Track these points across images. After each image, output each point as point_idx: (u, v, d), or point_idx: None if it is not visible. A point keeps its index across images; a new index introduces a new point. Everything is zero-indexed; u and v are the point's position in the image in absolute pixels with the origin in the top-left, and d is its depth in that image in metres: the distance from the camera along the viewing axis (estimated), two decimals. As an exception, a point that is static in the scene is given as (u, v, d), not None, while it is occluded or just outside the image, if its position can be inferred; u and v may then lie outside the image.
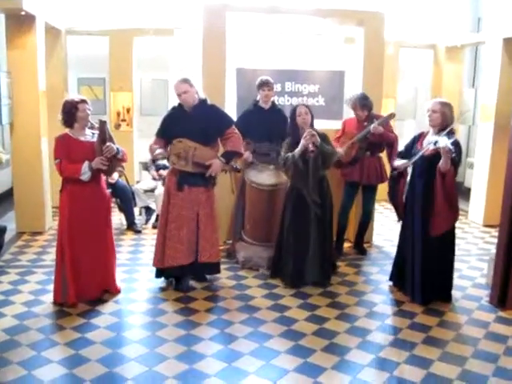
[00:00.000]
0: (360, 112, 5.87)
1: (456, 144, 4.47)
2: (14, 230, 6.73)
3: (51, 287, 4.82)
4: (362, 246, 6.33)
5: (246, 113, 5.93)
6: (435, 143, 4.45)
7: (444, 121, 4.62)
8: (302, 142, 4.91)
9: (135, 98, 8.65)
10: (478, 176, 7.81)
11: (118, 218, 7.14)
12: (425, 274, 4.71)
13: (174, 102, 5.16)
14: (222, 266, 5.41)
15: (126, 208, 6.99)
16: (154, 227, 7.14)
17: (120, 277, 5.12)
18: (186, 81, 4.79)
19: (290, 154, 5.01)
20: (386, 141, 5.81)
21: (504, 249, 4.67)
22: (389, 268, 5.34)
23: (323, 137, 5.06)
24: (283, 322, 4.38)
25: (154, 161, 5.12)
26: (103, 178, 4.72)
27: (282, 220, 5.26)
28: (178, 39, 8.41)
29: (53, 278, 4.94)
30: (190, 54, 8.50)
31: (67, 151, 4.43)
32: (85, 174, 4.40)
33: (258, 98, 5.91)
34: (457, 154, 4.43)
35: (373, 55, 6.34)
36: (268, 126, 5.84)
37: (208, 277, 5.25)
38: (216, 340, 4.05)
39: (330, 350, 3.91)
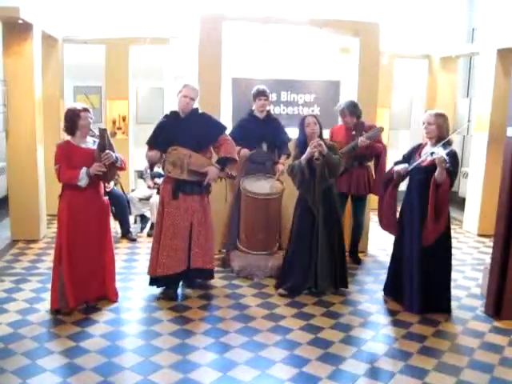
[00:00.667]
0: (349, 119, 5.90)
1: (452, 155, 4.50)
2: (9, 238, 6.71)
3: (46, 295, 4.82)
4: (356, 255, 6.34)
5: (241, 122, 5.96)
6: (432, 154, 4.48)
7: (440, 132, 4.65)
8: (308, 149, 4.94)
9: (131, 106, 8.66)
10: (473, 186, 7.84)
11: (112, 227, 7.08)
12: (423, 284, 4.71)
13: (169, 110, 5.18)
14: (217, 275, 5.42)
15: (121, 216, 6.99)
16: (149, 235, 7.14)
17: (115, 285, 5.08)
18: (197, 91, 4.92)
19: (296, 162, 5.04)
20: (374, 152, 5.84)
21: (499, 259, 4.69)
22: (383, 277, 5.33)
23: (331, 146, 5.08)
24: (278, 331, 4.38)
25: (151, 168, 5.11)
26: (102, 185, 4.72)
27: (291, 228, 5.28)
28: (173, 48, 8.46)
29: (48, 286, 4.96)
30: (185, 63, 8.56)
31: (68, 158, 4.46)
32: (82, 179, 4.42)
33: (253, 107, 5.94)
34: (453, 165, 4.45)
35: (368, 65, 6.37)
36: (263, 135, 5.86)
37: (203, 285, 5.24)
38: (211, 349, 4.04)
39: (325, 360, 3.90)
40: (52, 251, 5.95)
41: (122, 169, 4.74)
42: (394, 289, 5.08)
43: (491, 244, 6.74)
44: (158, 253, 4.86)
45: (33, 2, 7.15)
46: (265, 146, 5.90)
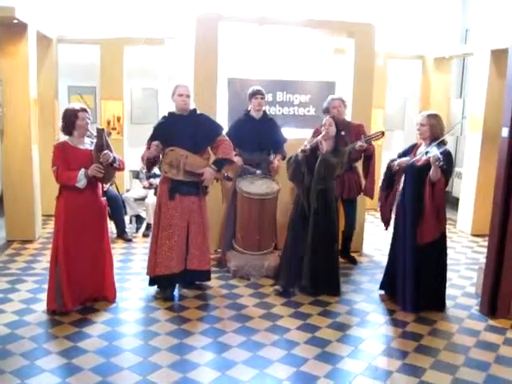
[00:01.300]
0: (343, 109, 5.91)
1: (446, 154, 4.54)
2: (4, 239, 6.68)
3: (42, 296, 4.81)
4: (350, 254, 6.37)
5: (237, 122, 5.97)
6: (426, 153, 4.53)
7: (433, 133, 4.70)
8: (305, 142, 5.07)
9: (126, 106, 8.65)
10: (467, 186, 7.90)
11: (109, 227, 7.11)
12: (416, 283, 4.75)
13: (164, 110, 5.17)
14: (214, 275, 5.43)
15: (117, 217, 6.97)
16: (145, 236, 7.15)
17: (112, 285, 5.11)
18: (189, 87, 4.93)
19: (295, 154, 5.07)
20: (367, 154, 5.87)
21: (494, 258, 4.74)
22: (379, 277, 5.38)
23: (340, 152, 5.11)
24: (275, 330, 4.40)
25: (150, 164, 5.08)
26: (100, 186, 4.71)
27: (288, 227, 5.33)
28: (168, 49, 8.45)
29: (44, 286, 4.96)
30: (179, 64, 8.56)
31: (65, 159, 4.44)
32: (80, 181, 4.41)
33: (249, 107, 5.95)
34: (447, 164, 4.49)
35: (363, 66, 6.40)
36: (259, 135, 5.87)
37: (199, 285, 5.26)
38: (209, 349, 4.06)
39: (323, 359, 3.93)
40: (47, 252, 6.01)
41: (120, 169, 4.74)
42: (389, 287, 5.13)
43: (485, 244, 6.83)
44: (156, 253, 4.87)
45: (28, 2, 7.14)
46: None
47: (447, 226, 4.87)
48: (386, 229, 5.16)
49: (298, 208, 5.21)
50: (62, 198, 4.53)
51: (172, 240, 4.84)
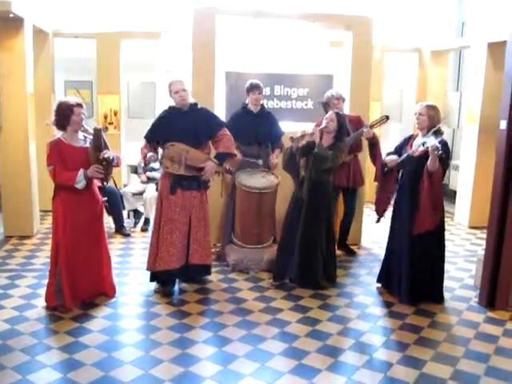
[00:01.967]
0: (342, 105, 5.93)
1: (444, 144, 4.55)
2: (2, 234, 6.67)
3: (42, 291, 4.80)
4: (347, 245, 6.39)
5: (234, 116, 5.96)
6: (423, 144, 4.54)
7: (431, 123, 4.70)
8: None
9: (122, 100, 8.62)
10: (464, 178, 7.92)
11: (106, 222, 7.09)
12: (413, 275, 4.77)
13: (161, 104, 5.15)
14: (213, 269, 5.44)
15: (115, 211, 6.96)
16: (143, 230, 7.15)
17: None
18: (183, 81, 4.88)
19: (291, 145, 5.08)
20: (371, 141, 5.89)
21: (492, 250, 4.75)
22: (377, 270, 5.39)
23: (337, 147, 5.10)
24: (276, 324, 4.41)
25: (146, 164, 5.09)
26: (96, 183, 4.67)
27: (283, 223, 5.34)
28: (165, 42, 8.43)
29: (43, 282, 4.96)
30: (176, 57, 8.54)
31: (61, 158, 4.35)
32: (80, 182, 4.35)
33: (246, 101, 5.94)
34: (445, 153, 4.50)
35: (361, 59, 6.40)
36: (257, 129, 5.87)
37: (199, 279, 5.26)
38: (210, 343, 4.07)
39: (324, 352, 3.95)
40: (46, 247, 6.02)
41: (117, 166, 4.70)
42: (386, 280, 5.15)
43: (483, 236, 6.88)
44: (157, 248, 4.87)
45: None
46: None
47: (445, 219, 4.88)
48: (378, 220, 5.19)
49: (294, 201, 5.21)
50: (59, 198, 4.46)
51: (173, 235, 4.84)
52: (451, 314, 4.69)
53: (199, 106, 5.01)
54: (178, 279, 5.16)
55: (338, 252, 6.26)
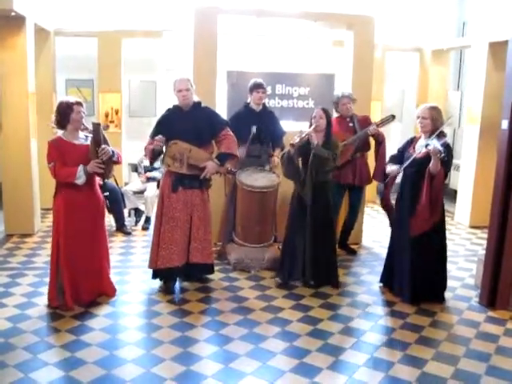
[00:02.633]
0: (352, 105, 5.95)
1: (446, 146, 4.55)
2: (3, 232, 6.67)
3: (43, 289, 4.82)
4: (348, 245, 6.40)
5: (236, 115, 5.95)
6: (426, 146, 4.54)
7: (435, 125, 4.69)
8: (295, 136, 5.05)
9: (124, 99, 8.62)
10: (464, 178, 7.92)
11: (107, 220, 7.10)
12: (414, 274, 4.77)
13: (162, 103, 5.16)
14: (214, 268, 5.40)
15: (116, 210, 6.96)
16: (144, 229, 7.16)
17: (112, 279, 5.09)
18: (188, 80, 4.88)
19: (288, 150, 5.08)
20: (379, 139, 5.90)
21: (493, 250, 4.76)
22: (379, 269, 5.41)
23: (332, 144, 5.11)
24: (277, 323, 4.42)
25: (153, 157, 5.03)
26: (97, 181, 4.69)
27: (287, 222, 5.34)
28: (166, 41, 8.44)
29: (45, 280, 4.97)
30: (178, 56, 8.54)
31: (61, 155, 4.37)
32: (80, 177, 4.36)
33: (248, 100, 5.94)
34: (447, 156, 4.50)
35: (362, 58, 6.40)
36: (259, 128, 5.87)
37: (200, 278, 5.27)
38: (211, 341, 4.07)
39: (325, 351, 3.95)
40: (47, 245, 6.02)
41: (118, 163, 4.70)
42: (389, 280, 5.15)
43: (483, 235, 6.89)
44: (158, 246, 4.87)
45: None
46: (254, 128, 5.87)
47: (445, 219, 4.89)
48: (391, 222, 5.21)
49: (296, 200, 5.21)
50: (60, 195, 4.48)
51: (174, 233, 4.84)
52: (452, 314, 4.70)
53: (203, 105, 5.00)
54: (180, 278, 5.17)
55: (338, 251, 6.30)
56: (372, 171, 6.04)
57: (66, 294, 4.45)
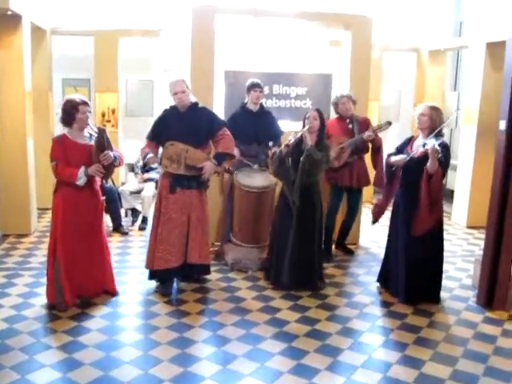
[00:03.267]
0: (351, 106, 5.92)
1: (444, 146, 4.55)
2: (-1, 233, 6.66)
3: (40, 290, 4.81)
4: (346, 245, 6.39)
5: (234, 115, 5.94)
6: (424, 145, 4.54)
7: (432, 124, 4.70)
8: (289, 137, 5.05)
9: (120, 98, 8.59)
10: (462, 178, 7.92)
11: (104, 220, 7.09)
12: (409, 274, 4.77)
13: (159, 102, 5.13)
14: (212, 268, 5.40)
15: (113, 210, 6.93)
16: (141, 229, 7.13)
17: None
18: (183, 81, 4.84)
19: (279, 149, 5.06)
20: (376, 145, 5.89)
21: (490, 250, 4.76)
22: (376, 269, 5.41)
23: (324, 146, 5.10)
24: (275, 323, 4.41)
25: (145, 165, 5.11)
26: (97, 180, 4.68)
27: (273, 221, 5.30)
28: (163, 41, 8.41)
29: (41, 280, 4.97)
30: (175, 56, 8.52)
31: (64, 153, 4.40)
32: (80, 179, 4.39)
33: (246, 100, 5.93)
34: (444, 156, 4.50)
35: (360, 59, 6.39)
36: (256, 128, 5.86)
37: (198, 279, 5.25)
38: (209, 342, 4.06)
39: (323, 352, 3.94)
40: (43, 245, 5.99)
41: (119, 165, 4.73)
42: (386, 280, 5.15)
43: (480, 236, 6.89)
44: (155, 246, 4.86)
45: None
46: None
47: (443, 219, 4.89)
48: (374, 223, 5.26)
49: (283, 200, 5.16)
50: (60, 193, 4.49)
51: (172, 234, 4.83)
52: (450, 314, 4.70)
53: (200, 106, 4.98)
54: (177, 278, 5.15)
55: (336, 252, 6.31)
56: (371, 174, 6.05)
57: (65, 291, 4.44)
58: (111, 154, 4.49)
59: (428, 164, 4.48)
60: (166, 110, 4.99)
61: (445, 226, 5.01)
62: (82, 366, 3.64)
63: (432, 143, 4.40)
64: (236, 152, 5.59)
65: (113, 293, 4.83)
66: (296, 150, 4.99)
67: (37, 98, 7.20)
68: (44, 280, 4.65)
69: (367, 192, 7.03)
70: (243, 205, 5.74)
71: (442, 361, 3.85)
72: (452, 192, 8.42)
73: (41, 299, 4.65)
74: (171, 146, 4.72)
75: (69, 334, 4.08)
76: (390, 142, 8.52)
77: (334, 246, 6.35)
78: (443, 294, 5.00)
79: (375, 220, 5.30)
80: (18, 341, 3.94)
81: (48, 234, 4.86)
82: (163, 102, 5.07)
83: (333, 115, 6.27)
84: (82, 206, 4.51)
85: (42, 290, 4.70)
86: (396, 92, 9.64)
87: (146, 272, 5.08)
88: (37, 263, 5.65)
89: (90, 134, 4.57)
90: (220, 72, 6.38)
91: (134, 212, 7.39)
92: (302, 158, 4.94)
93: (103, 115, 8.34)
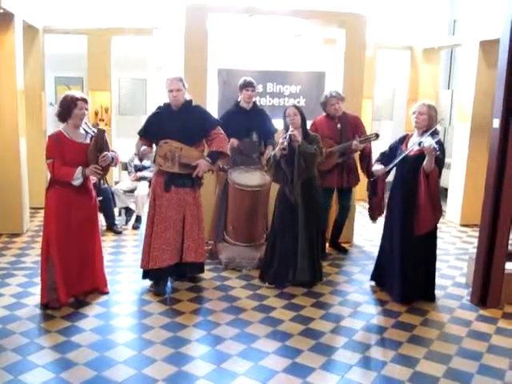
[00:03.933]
0: (339, 106, 5.87)
1: (440, 144, 4.55)
2: (-8, 232, 6.62)
3: (33, 290, 4.79)
4: (340, 245, 6.39)
5: (227, 114, 5.93)
6: (419, 144, 4.53)
7: (430, 123, 4.70)
8: (280, 140, 5.01)
9: (113, 97, 8.56)
10: (455, 176, 7.94)
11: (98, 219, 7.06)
12: (404, 273, 4.77)
13: (152, 101, 5.10)
14: (205, 267, 5.39)
15: (106, 209, 6.90)
16: (134, 228, 7.11)
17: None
18: (180, 80, 4.83)
19: (272, 153, 5.05)
20: (364, 153, 5.90)
21: (484, 248, 4.77)
22: (370, 268, 5.41)
23: (313, 138, 5.09)
24: (269, 322, 4.40)
25: (141, 159, 5.11)
26: (91, 179, 4.66)
27: (272, 220, 5.29)
28: (156, 39, 8.38)
29: (35, 280, 4.95)
30: (168, 54, 8.49)
31: (60, 152, 4.37)
32: (77, 179, 4.37)
33: (239, 98, 5.92)
34: (441, 154, 4.50)
35: (354, 57, 6.38)
36: (249, 126, 5.85)
37: (191, 278, 5.24)
38: (203, 342, 4.05)
39: (318, 350, 3.94)
40: (36, 245, 5.96)
41: (115, 165, 4.74)
42: (379, 278, 5.16)
43: (474, 233, 6.91)
44: (150, 246, 4.84)
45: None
46: (255, 136, 5.87)
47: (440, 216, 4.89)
48: (373, 221, 5.26)
49: (283, 199, 5.15)
50: (53, 191, 4.46)
51: (167, 232, 4.81)
52: (443, 312, 4.70)
53: (194, 104, 4.96)
54: (171, 277, 5.13)
55: (329, 250, 6.30)
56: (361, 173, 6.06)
57: (59, 289, 4.42)
58: (109, 155, 4.48)
59: (425, 163, 4.47)
60: (159, 108, 4.97)
61: (439, 224, 5.02)
62: (76, 366, 3.62)
63: (429, 141, 4.40)
64: (233, 141, 5.60)
65: (104, 292, 4.82)
66: (288, 150, 4.98)
67: (29, 97, 7.16)
68: (37, 280, 4.64)
69: (361, 190, 7.00)
70: (237, 203, 5.73)
71: (436, 359, 3.85)
72: (446, 190, 8.43)
73: (34, 299, 4.63)
74: (165, 144, 4.71)
75: (62, 333, 4.06)
76: (383, 140, 8.53)
77: (327, 245, 6.34)
78: (437, 292, 5.00)
79: (374, 219, 5.28)
80: (11, 341, 3.92)
81: (41, 233, 4.83)
82: (156, 100, 5.04)
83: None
84: (75, 204, 4.49)
85: (36, 289, 4.68)
86: (390, 90, 9.64)
87: (140, 271, 5.07)
88: (30, 263, 5.62)
89: (86, 132, 4.54)
90: (213, 70, 6.36)
91: (128, 211, 7.36)
92: (295, 156, 4.93)
93: (96, 114, 8.29)
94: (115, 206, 7.13)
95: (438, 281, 5.14)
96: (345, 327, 4.37)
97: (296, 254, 5.09)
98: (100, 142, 4.45)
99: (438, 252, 4.95)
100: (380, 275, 5.15)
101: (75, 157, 4.40)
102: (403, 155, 4.69)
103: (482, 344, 4.11)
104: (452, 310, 4.76)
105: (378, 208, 5.16)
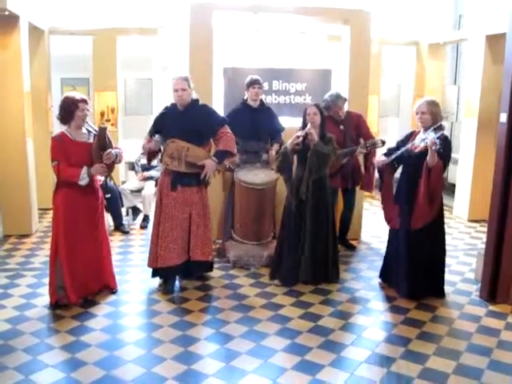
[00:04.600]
0: (341, 109, 5.86)
1: (444, 139, 4.52)
2: (1, 233, 6.62)
3: (42, 290, 4.81)
4: (347, 240, 6.38)
5: (234, 111, 5.93)
6: (424, 140, 4.52)
7: (435, 120, 4.67)
8: (295, 135, 5.00)
9: (119, 97, 8.57)
10: (463, 171, 7.90)
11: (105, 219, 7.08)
12: (410, 269, 4.76)
13: (158, 101, 5.10)
14: (214, 266, 5.38)
15: (113, 208, 6.92)
16: (142, 228, 7.13)
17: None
18: (186, 79, 4.82)
19: (284, 145, 5.05)
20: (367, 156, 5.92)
21: (493, 244, 4.75)
22: (378, 264, 5.40)
23: (329, 139, 5.08)
24: (278, 320, 4.40)
25: (149, 161, 5.10)
26: (97, 179, 4.68)
27: (282, 219, 5.28)
28: (162, 38, 8.39)
29: (44, 280, 4.96)
30: (173, 53, 8.50)
31: (64, 153, 4.38)
32: (83, 179, 4.38)
33: (245, 96, 5.92)
34: (444, 148, 4.47)
35: (359, 53, 6.37)
36: (256, 124, 5.85)
37: (200, 276, 5.25)
38: (212, 340, 4.06)
39: (327, 347, 3.94)
40: (45, 245, 5.99)
41: (119, 162, 4.73)
42: (388, 275, 5.14)
43: (482, 229, 6.89)
44: (157, 245, 4.85)
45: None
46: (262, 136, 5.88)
47: (444, 213, 4.87)
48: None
49: (291, 203, 5.14)
50: (61, 192, 4.48)
51: (174, 231, 4.82)
52: (453, 308, 4.69)
53: (200, 103, 4.95)
54: (179, 276, 5.14)
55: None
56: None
57: (67, 288, 4.44)
58: (113, 152, 4.48)
59: (428, 158, 4.46)
60: (166, 108, 4.97)
61: (446, 220, 5.01)
62: (86, 365, 3.64)
63: (432, 136, 4.39)
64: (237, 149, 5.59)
65: (113, 288, 4.85)
66: (302, 147, 4.98)
67: (35, 99, 7.18)
68: (46, 280, 4.65)
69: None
70: (244, 202, 5.73)
71: (446, 355, 3.84)
72: (453, 186, 8.40)
73: (43, 299, 4.65)
74: (172, 144, 4.71)
75: (72, 333, 4.08)
76: (390, 136, 8.53)
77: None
78: (446, 288, 4.98)
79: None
80: (22, 341, 3.94)
81: (49, 234, 4.85)
82: (163, 100, 5.04)
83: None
84: (82, 204, 4.51)
85: (45, 290, 4.69)
86: (396, 86, 9.60)
87: (148, 270, 5.08)
88: (39, 263, 5.65)
89: (89, 131, 4.55)
90: (219, 69, 6.37)
91: (135, 211, 7.37)
92: (309, 154, 4.93)
93: (102, 114, 8.31)
94: (122, 205, 7.14)
95: (447, 277, 5.12)
96: (354, 324, 4.37)
97: (303, 254, 5.08)
98: (102, 140, 4.45)
99: (446, 248, 4.93)
100: (388, 272, 5.13)
101: (80, 157, 4.41)
102: (405, 148, 4.68)
103: (492, 339, 4.10)
104: (461, 305, 4.74)
105: (387, 195, 5.11)
